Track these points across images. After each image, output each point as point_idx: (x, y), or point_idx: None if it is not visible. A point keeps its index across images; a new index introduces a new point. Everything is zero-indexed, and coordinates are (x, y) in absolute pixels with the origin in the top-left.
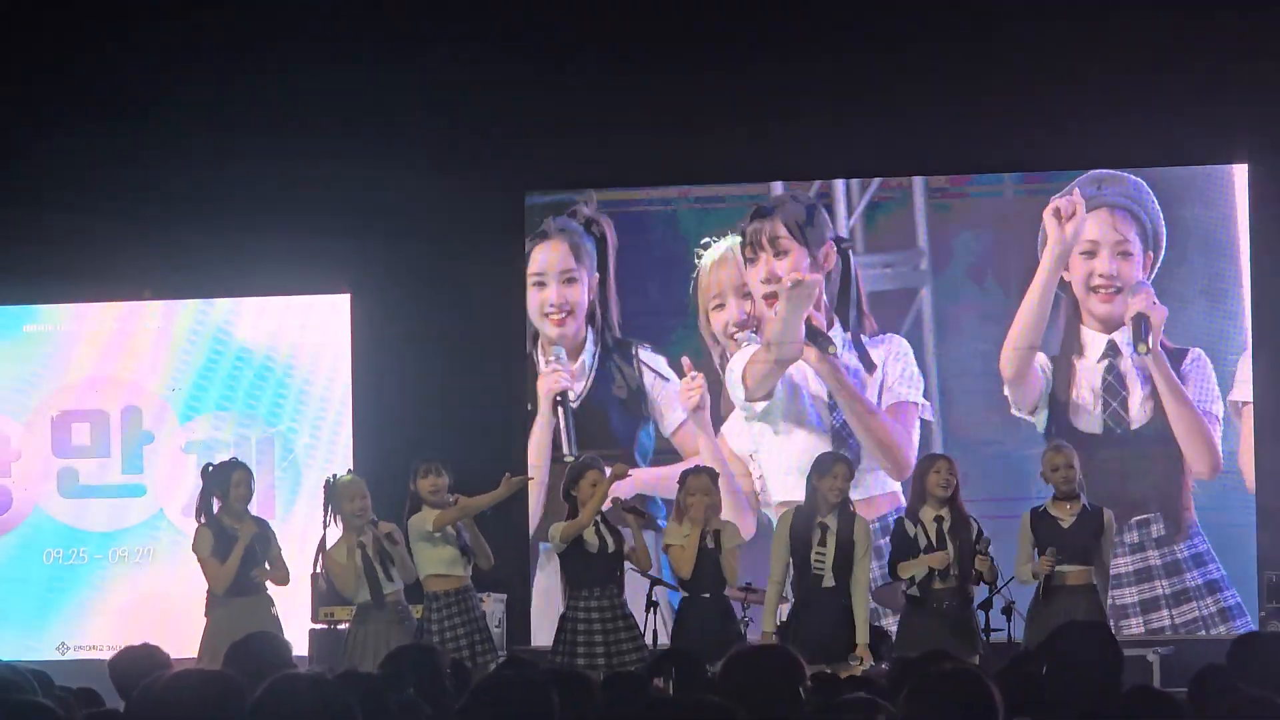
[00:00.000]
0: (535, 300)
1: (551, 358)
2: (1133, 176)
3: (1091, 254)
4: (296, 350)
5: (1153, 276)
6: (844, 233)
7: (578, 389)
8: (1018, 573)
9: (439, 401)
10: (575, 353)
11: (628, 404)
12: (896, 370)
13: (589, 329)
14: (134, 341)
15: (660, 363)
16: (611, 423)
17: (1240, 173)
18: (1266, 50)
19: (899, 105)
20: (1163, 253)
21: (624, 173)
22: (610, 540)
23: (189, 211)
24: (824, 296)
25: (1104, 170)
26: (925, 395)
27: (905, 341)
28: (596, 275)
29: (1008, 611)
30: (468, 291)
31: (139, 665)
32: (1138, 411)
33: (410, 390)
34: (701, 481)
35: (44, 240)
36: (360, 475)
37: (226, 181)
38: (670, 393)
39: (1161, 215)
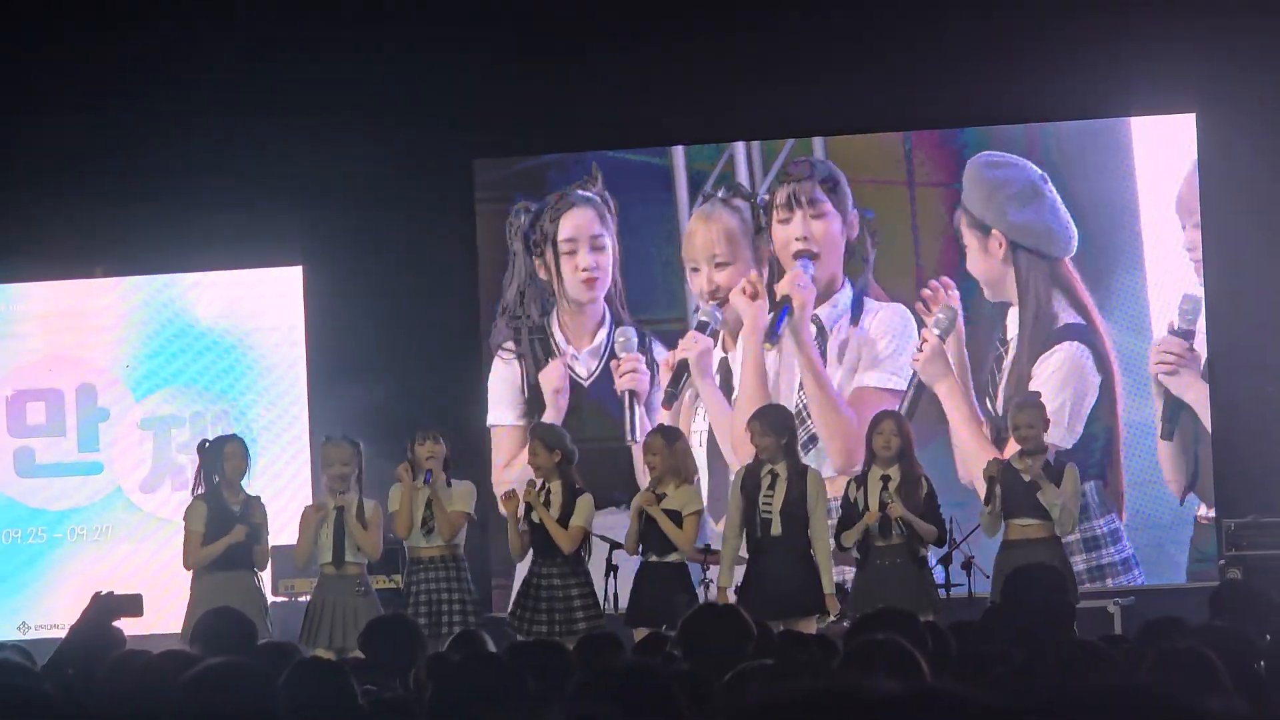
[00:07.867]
0: (568, 266)
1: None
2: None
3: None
4: (250, 324)
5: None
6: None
7: (590, 367)
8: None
9: (394, 372)
10: (592, 333)
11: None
12: (883, 345)
13: (605, 308)
14: (87, 319)
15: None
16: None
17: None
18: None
19: (837, 60)
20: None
21: (572, 137)
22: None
23: (138, 187)
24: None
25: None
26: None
27: (908, 314)
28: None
29: (967, 566)
30: (420, 260)
31: (94, 645)
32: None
33: (365, 361)
34: (653, 442)
35: None
36: (343, 444)
37: (175, 156)
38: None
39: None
